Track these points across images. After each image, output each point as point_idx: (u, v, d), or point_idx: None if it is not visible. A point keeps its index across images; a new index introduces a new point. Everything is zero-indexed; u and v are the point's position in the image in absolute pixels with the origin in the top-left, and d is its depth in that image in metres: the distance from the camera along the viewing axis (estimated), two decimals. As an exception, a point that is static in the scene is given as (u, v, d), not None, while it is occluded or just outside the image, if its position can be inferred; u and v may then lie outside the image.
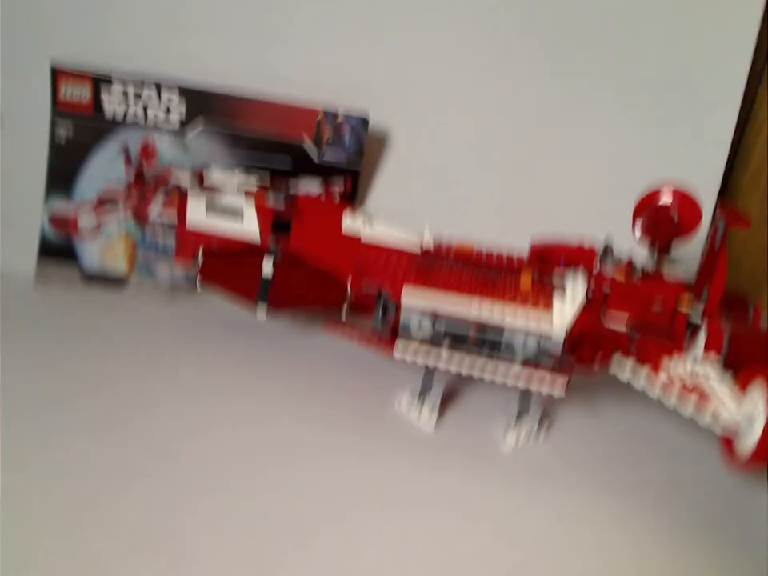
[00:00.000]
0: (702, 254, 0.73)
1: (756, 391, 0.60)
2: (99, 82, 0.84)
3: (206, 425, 0.67)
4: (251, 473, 0.61)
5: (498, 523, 0.60)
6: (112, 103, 0.85)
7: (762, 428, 0.57)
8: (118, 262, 0.89)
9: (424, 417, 0.72)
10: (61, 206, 0.88)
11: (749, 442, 0.59)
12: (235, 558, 0.52)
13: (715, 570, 0.59)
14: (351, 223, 0.75)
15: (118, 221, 0.88)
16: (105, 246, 0.89)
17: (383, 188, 0.95)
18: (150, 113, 0.86)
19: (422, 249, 0.75)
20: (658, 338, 0.70)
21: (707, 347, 0.71)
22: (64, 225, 0.88)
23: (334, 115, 0.88)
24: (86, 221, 0.88)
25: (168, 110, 0.86)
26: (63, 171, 0.87)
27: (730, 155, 0.99)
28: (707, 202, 0.93)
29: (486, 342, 0.69)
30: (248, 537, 0.54)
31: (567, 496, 0.65)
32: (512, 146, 0.96)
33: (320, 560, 0.53)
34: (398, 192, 0.95)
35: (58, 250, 0.88)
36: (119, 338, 0.80)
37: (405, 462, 0.66)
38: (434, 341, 0.70)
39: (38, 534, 0.51)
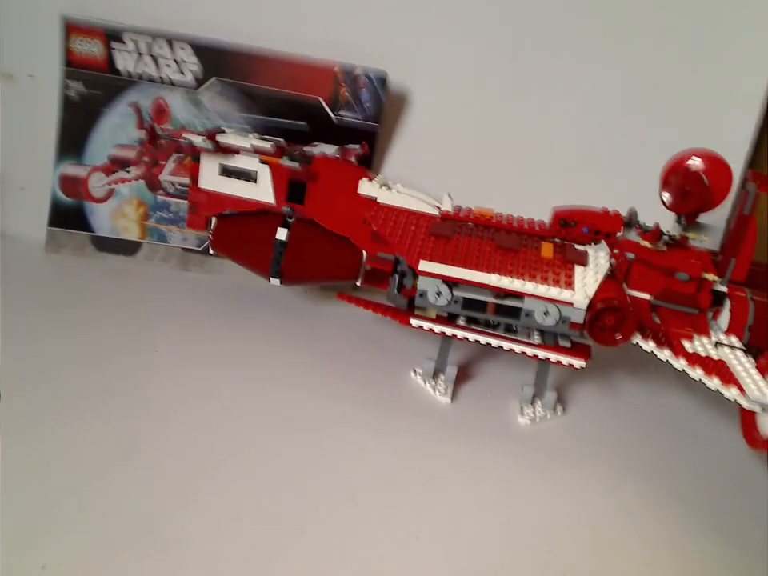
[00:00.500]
0: (730, 222, 0.71)
1: None
2: (111, 36, 0.82)
3: (214, 392, 0.66)
4: (262, 441, 0.61)
5: (510, 497, 0.59)
6: (124, 58, 0.83)
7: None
8: (129, 225, 0.88)
9: (440, 389, 0.71)
10: (72, 168, 0.86)
11: None
12: (245, 523, 0.51)
13: (729, 554, 0.57)
14: (368, 186, 0.73)
15: (130, 184, 0.87)
16: (116, 209, 0.87)
17: (402, 151, 0.92)
18: (162, 70, 0.83)
19: (441, 213, 0.73)
20: (682, 307, 0.69)
21: (732, 318, 0.69)
22: (75, 188, 0.86)
23: (352, 71, 0.85)
24: (97, 183, 0.86)
25: (181, 67, 0.83)
26: (75, 131, 0.85)
27: (761, 120, 0.95)
28: (736, 169, 0.90)
29: (505, 310, 0.68)
30: (260, 504, 0.54)
31: (581, 472, 0.64)
32: (534, 115, 0.93)
33: (335, 527, 0.53)
34: (417, 156, 0.92)
35: (69, 214, 0.87)
36: (130, 304, 0.79)
37: (420, 435, 0.65)
38: (452, 309, 0.68)
39: (48, 498, 0.51)
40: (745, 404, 0.59)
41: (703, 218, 0.71)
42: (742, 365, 0.63)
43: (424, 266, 0.67)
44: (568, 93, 0.93)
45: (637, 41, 0.92)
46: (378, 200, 0.73)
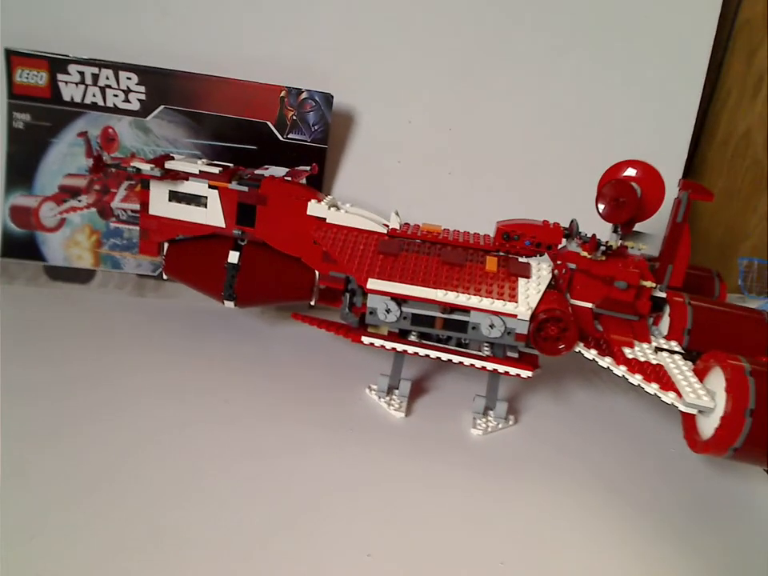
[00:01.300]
0: (666, 229, 0.74)
1: (715, 378, 0.61)
2: (56, 67, 0.82)
3: (171, 422, 0.66)
4: (219, 468, 0.61)
5: (466, 507, 0.61)
6: (69, 86, 0.83)
7: (720, 417, 0.58)
8: (82, 254, 0.88)
9: (395, 404, 0.72)
10: (22, 198, 0.86)
11: (708, 426, 0.60)
12: (210, 548, 0.52)
13: (672, 553, 0.59)
14: (317, 207, 0.74)
15: (81, 212, 0.87)
16: (68, 238, 0.87)
17: (351, 170, 0.94)
18: (109, 99, 0.84)
19: (388, 231, 0.75)
20: (622, 314, 0.71)
21: (671, 323, 0.72)
22: (25, 218, 0.86)
23: (298, 93, 0.86)
24: (48, 213, 0.87)
25: (128, 96, 0.84)
26: (23, 161, 0.85)
27: (696, 127, 0.99)
28: (673, 176, 0.93)
29: (453, 324, 0.69)
30: (219, 531, 0.54)
31: (535, 479, 0.66)
32: (478, 128, 0.95)
33: (297, 549, 0.53)
34: (366, 174, 0.94)
35: (20, 244, 0.87)
36: (85, 334, 0.79)
37: (374, 451, 0.66)
38: (402, 325, 0.70)
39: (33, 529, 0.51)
40: (682, 407, 0.61)
41: (641, 227, 0.74)
42: (679, 369, 0.65)
43: (372, 284, 0.68)
44: (512, 107, 0.96)
45: (576, 55, 0.95)
46: (327, 220, 0.75)
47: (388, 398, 0.73)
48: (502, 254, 0.74)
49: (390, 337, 0.72)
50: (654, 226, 0.76)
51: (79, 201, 0.86)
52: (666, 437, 0.74)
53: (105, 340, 0.78)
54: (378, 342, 0.71)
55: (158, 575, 0.49)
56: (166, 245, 0.78)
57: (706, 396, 0.60)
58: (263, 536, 0.54)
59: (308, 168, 0.88)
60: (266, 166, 0.87)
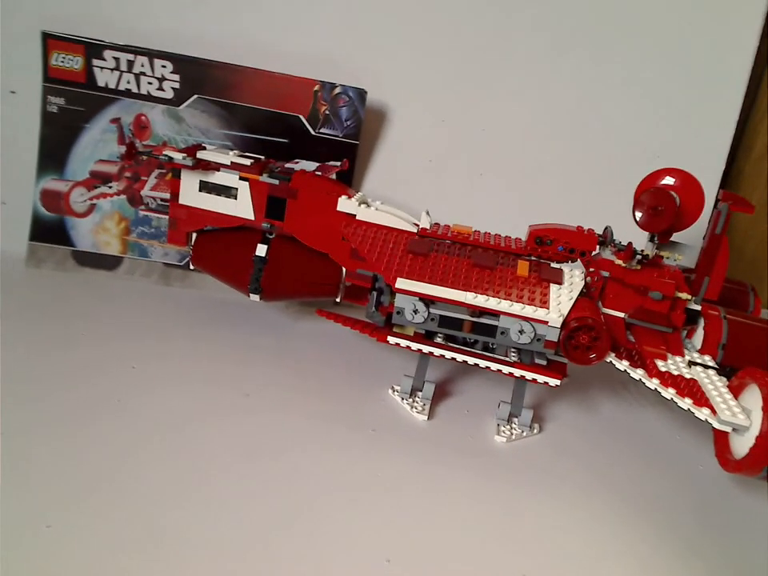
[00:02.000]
0: (704, 240, 0.72)
1: (751, 396, 0.59)
2: (92, 52, 0.82)
3: (192, 412, 0.66)
4: (237, 461, 0.60)
5: (486, 515, 0.59)
6: (105, 72, 0.83)
7: (756, 436, 0.56)
8: (110, 240, 0.88)
9: (418, 406, 0.71)
10: (53, 183, 0.86)
11: (742, 445, 0.58)
12: (219, 544, 0.51)
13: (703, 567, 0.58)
14: (347, 203, 0.74)
15: (111, 199, 0.87)
16: (97, 224, 0.87)
17: (382, 167, 0.93)
18: (143, 83, 0.84)
19: (418, 231, 0.74)
20: (655, 325, 0.69)
21: (705, 337, 0.70)
22: (56, 202, 0.86)
23: (332, 87, 0.86)
24: (78, 198, 0.87)
25: (162, 83, 0.84)
26: (56, 146, 0.85)
27: (733, 141, 0.97)
28: (710, 188, 0.91)
29: (481, 328, 0.68)
30: (232, 529, 0.53)
31: (557, 492, 0.64)
32: (512, 130, 0.94)
33: (310, 548, 0.52)
34: (397, 171, 0.93)
35: (50, 228, 0.87)
36: (110, 320, 0.79)
37: (397, 453, 0.65)
38: (429, 326, 0.69)
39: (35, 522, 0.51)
40: (716, 424, 0.59)
41: (678, 237, 0.72)
42: (713, 384, 0.64)
43: (401, 283, 0.67)
44: (550, 109, 0.94)
45: (618, 62, 0.93)
46: (356, 217, 0.74)
47: (411, 400, 0.72)
48: (533, 258, 0.73)
49: (416, 338, 0.71)
50: (691, 237, 0.74)
51: (110, 187, 0.86)
52: (694, 454, 0.72)
53: (128, 326, 0.78)
54: (403, 343, 0.70)
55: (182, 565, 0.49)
56: (194, 235, 0.78)
57: (742, 414, 0.59)
58: (277, 533, 0.53)
59: (338, 163, 0.87)
60: (297, 160, 0.86)
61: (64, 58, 0.82)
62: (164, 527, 0.52)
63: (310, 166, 0.86)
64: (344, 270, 0.75)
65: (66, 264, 0.87)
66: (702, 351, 0.70)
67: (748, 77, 0.94)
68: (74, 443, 0.59)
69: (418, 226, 0.74)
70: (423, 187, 0.93)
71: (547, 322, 0.65)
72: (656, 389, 0.64)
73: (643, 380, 0.65)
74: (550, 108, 0.94)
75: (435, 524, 0.57)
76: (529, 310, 0.65)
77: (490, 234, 0.75)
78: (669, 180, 0.71)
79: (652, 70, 0.94)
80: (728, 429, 0.59)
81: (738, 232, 1.10)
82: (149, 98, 0.84)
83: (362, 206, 0.74)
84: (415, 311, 0.68)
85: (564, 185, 0.95)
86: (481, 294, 0.66)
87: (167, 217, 0.78)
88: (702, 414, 0.60)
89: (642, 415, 0.79)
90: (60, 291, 0.83)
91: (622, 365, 0.67)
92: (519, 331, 0.67)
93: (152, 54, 0.83)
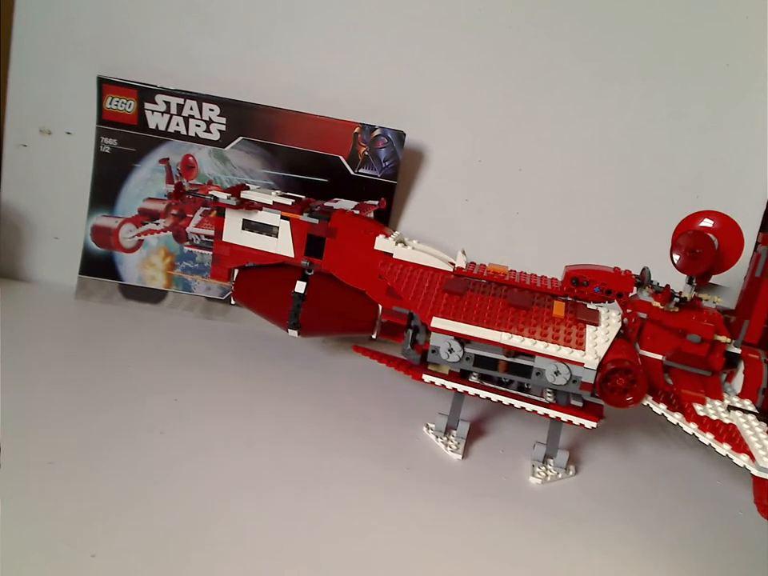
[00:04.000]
0: (744, 282, 0.71)
1: None
2: (144, 96, 0.86)
3: (228, 441, 0.67)
4: (267, 491, 0.61)
5: (521, 558, 0.59)
6: (155, 115, 0.87)
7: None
8: (156, 275, 0.91)
9: (452, 445, 0.71)
10: (104, 219, 0.90)
11: None
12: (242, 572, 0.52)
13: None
14: (384, 242, 0.75)
15: (158, 235, 0.90)
16: (144, 259, 0.90)
17: (419, 206, 0.95)
18: (191, 126, 0.87)
19: (454, 269, 0.75)
20: (694, 368, 0.68)
21: (745, 381, 0.69)
22: (105, 238, 0.90)
23: (371, 129, 0.88)
24: (127, 234, 0.90)
25: (209, 126, 0.87)
26: (107, 184, 0.89)
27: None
28: (751, 230, 0.90)
29: (516, 368, 0.68)
30: (256, 552, 0.54)
31: (594, 533, 0.63)
32: (548, 170, 0.95)
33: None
34: (433, 211, 0.94)
35: (99, 262, 0.90)
36: (152, 351, 0.82)
37: (431, 492, 0.65)
38: (464, 365, 0.69)
39: (57, 539, 0.52)
40: (754, 471, 0.58)
41: (717, 279, 0.71)
42: (753, 430, 0.62)
43: (436, 322, 0.68)
44: (585, 152, 0.95)
45: (654, 101, 0.94)
46: (393, 255, 0.75)
47: (445, 439, 0.72)
48: (569, 299, 0.73)
49: (451, 376, 0.71)
50: (731, 279, 0.73)
51: (157, 224, 0.90)
52: (734, 499, 0.71)
53: (171, 357, 0.80)
54: (438, 381, 0.71)
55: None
56: (236, 271, 0.80)
57: (782, 462, 0.57)
58: (306, 568, 0.54)
59: (377, 202, 0.89)
60: (336, 199, 0.89)
61: (118, 101, 0.86)
62: (191, 543, 0.53)
63: (348, 204, 0.88)
64: (380, 307, 0.76)
65: (113, 297, 0.91)
66: (741, 395, 0.69)
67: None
68: (116, 466, 0.61)
69: (453, 265, 0.75)
70: (460, 226, 0.94)
71: (583, 363, 0.65)
72: (694, 434, 0.63)
73: (681, 424, 0.64)
74: (588, 147, 0.95)
75: (468, 565, 0.57)
76: (565, 351, 0.66)
77: (525, 273, 0.76)
78: (707, 222, 0.70)
79: (697, 108, 0.94)
80: (766, 476, 0.58)
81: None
82: (196, 139, 0.88)
83: (399, 244, 0.75)
84: (450, 350, 0.69)
85: (602, 224, 0.95)
86: (516, 334, 0.67)
87: (211, 253, 0.80)
88: (741, 460, 0.59)
89: (680, 459, 0.77)
90: (107, 323, 0.86)
91: (660, 408, 0.66)
92: (555, 372, 0.67)
93: (200, 98, 0.86)
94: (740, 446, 0.60)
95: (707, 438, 0.62)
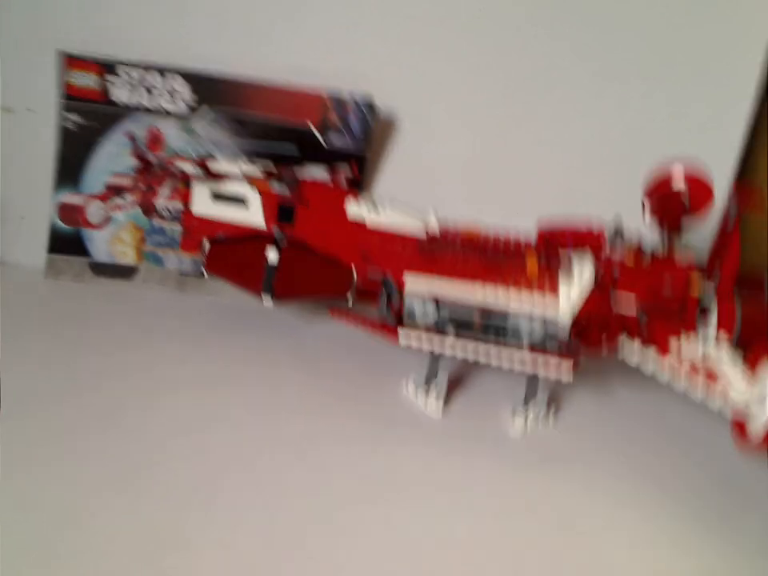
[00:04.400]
0: (715, 236, 0.72)
1: (766, 374, 0.59)
2: (106, 68, 0.84)
3: (213, 415, 0.67)
4: (259, 462, 0.61)
5: (503, 506, 0.60)
6: (118, 89, 0.85)
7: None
8: (126, 251, 0.90)
9: (431, 403, 0.72)
10: (70, 196, 0.88)
11: (760, 424, 0.57)
12: (241, 548, 0.52)
13: (728, 553, 0.57)
14: (356, 209, 0.75)
15: (126, 210, 0.89)
16: (113, 235, 0.89)
17: (391, 173, 0.94)
18: (155, 99, 0.86)
19: (427, 233, 0.74)
20: (667, 322, 0.69)
21: (719, 329, 0.69)
22: (73, 215, 0.88)
23: (340, 99, 0.87)
24: (94, 211, 0.89)
25: (173, 96, 0.86)
26: (72, 161, 0.87)
27: (749, 130, 0.96)
28: (722, 180, 0.91)
29: (491, 327, 0.69)
30: (254, 528, 0.54)
31: (575, 479, 0.64)
32: (519, 127, 0.95)
33: (329, 545, 0.53)
34: (405, 177, 0.94)
35: (67, 241, 0.89)
36: (128, 328, 0.80)
37: (412, 448, 0.65)
38: (439, 327, 0.69)
39: (43, 522, 0.52)
40: (730, 409, 0.59)
41: (688, 232, 0.72)
42: (727, 365, 0.63)
43: (409, 283, 0.68)
44: (563, 106, 0.95)
45: (626, 50, 0.94)
46: (365, 221, 0.75)
47: (425, 396, 0.73)
48: (542, 255, 0.73)
49: (427, 336, 0.71)
50: (703, 231, 0.74)
51: (124, 199, 0.88)
52: (714, 436, 0.72)
53: (145, 333, 0.80)
54: (414, 342, 0.71)
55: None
56: (207, 243, 0.79)
57: (756, 393, 0.58)
58: (293, 531, 0.54)
59: (348, 170, 0.89)
60: (307, 168, 0.88)
61: (79, 75, 0.84)
62: (184, 526, 0.53)
63: (320, 173, 0.87)
64: (355, 272, 0.76)
65: (83, 275, 0.89)
66: (717, 338, 0.69)
67: (765, 60, 0.94)
68: (96, 444, 0.60)
69: (426, 228, 0.75)
70: (434, 193, 0.93)
71: (557, 317, 0.66)
72: (669, 375, 0.64)
73: (657, 368, 0.65)
74: (562, 105, 0.95)
75: (453, 515, 0.58)
76: (538, 307, 0.66)
77: (499, 232, 0.76)
78: (677, 177, 0.71)
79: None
80: (742, 412, 0.58)
81: (755, 222, 1.08)
82: (161, 111, 0.86)
83: (371, 209, 0.75)
84: (425, 311, 0.69)
85: (574, 181, 0.95)
86: (490, 291, 0.67)
87: (181, 226, 0.79)
88: (716, 394, 0.60)
89: (659, 397, 0.78)
90: (79, 302, 0.85)
91: (635, 352, 0.67)
92: (530, 327, 0.67)
93: (164, 69, 0.85)
94: (714, 381, 0.61)
95: (681, 374, 0.63)
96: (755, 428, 0.59)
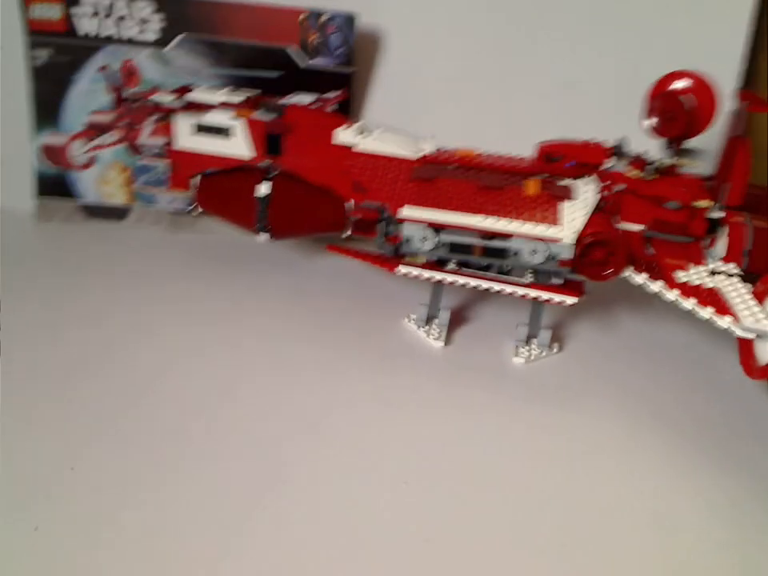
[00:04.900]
0: (722, 144, 0.68)
1: None
2: (68, -2, 0.79)
3: (211, 347, 0.67)
4: (260, 391, 0.61)
5: (506, 434, 0.59)
6: (84, 19, 0.81)
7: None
8: (114, 191, 0.87)
9: (433, 333, 0.71)
10: (51, 137, 0.85)
11: (766, 353, 0.56)
12: (240, 463, 0.53)
13: (734, 478, 0.57)
14: (345, 135, 0.71)
15: (110, 149, 0.85)
16: (100, 175, 0.86)
17: (382, 94, 0.90)
18: (125, 28, 0.81)
19: (422, 157, 0.71)
20: (675, 236, 0.67)
21: (729, 244, 0.67)
22: (56, 157, 0.85)
23: (318, 15, 0.82)
24: (77, 150, 0.85)
25: (143, 24, 0.81)
26: (47, 99, 0.84)
27: (755, 37, 0.91)
28: (726, 88, 0.86)
29: (492, 251, 0.66)
30: (253, 444, 0.55)
31: (578, 407, 0.63)
32: (514, 42, 0.89)
33: (334, 464, 0.53)
34: (398, 97, 0.89)
35: (54, 183, 0.86)
36: (121, 268, 0.79)
37: (413, 378, 0.65)
38: (439, 254, 0.67)
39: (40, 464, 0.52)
40: (738, 332, 0.57)
41: (694, 143, 0.68)
42: (737, 292, 0.61)
43: (405, 211, 0.65)
44: (554, 17, 0.89)
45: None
46: (356, 147, 0.71)
47: (427, 328, 0.71)
48: (544, 176, 0.70)
49: (427, 266, 0.69)
50: (711, 142, 0.70)
51: (107, 137, 0.85)
52: (720, 364, 0.71)
53: (140, 274, 0.78)
54: (413, 272, 0.69)
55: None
56: (197, 178, 0.76)
57: (767, 320, 0.56)
58: (290, 450, 0.55)
59: (337, 94, 0.84)
60: (294, 94, 0.84)
61: (42, 7, 0.79)
62: (180, 454, 0.54)
63: (307, 98, 0.83)
64: (351, 203, 0.73)
65: (74, 217, 0.87)
66: (726, 259, 0.67)
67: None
68: (91, 382, 0.61)
69: (421, 152, 0.72)
70: (427, 112, 0.89)
71: (560, 239, 0.63)
72: (676, 300, 0.62)
73: (663, 292, 0.63)
74: (561, 14, 0.89)
75: (455, 442, 0.57)
76: (540, 229, 0.64)
77: (497, 155, 0.73)
78: (680, 83, 0.67)
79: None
80: (751, 336, 0.57)
81: (764, 133, 1.04)
82: (133, 42, 0.82)
83: (361, 135, 0.71)
84: (424, 239, 0.67)
85: (575, 98, 0.91)
86: (490, 215, 0.65)
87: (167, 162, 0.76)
88: (724, 322, 0.58)
89: (667, 329, 0.76)
90: (70, 243, 0.84)
91: (640, 278, 0.65)
92: (532, 251, 0.65)
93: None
94: (723, 308, 0.59)
95: (690, 303, 0.61)
96: (762, 356, 0.57)
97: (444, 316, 0.72)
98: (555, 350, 0.71)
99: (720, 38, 0.90)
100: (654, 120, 0.65)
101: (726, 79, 0.88)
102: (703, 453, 0.59)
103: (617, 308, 0.80)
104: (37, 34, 0.81)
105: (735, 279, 0.64)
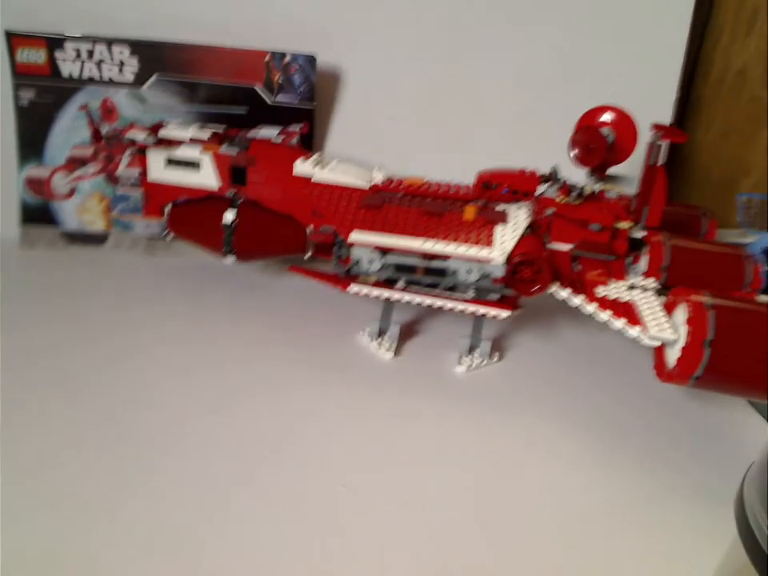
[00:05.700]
0: (642, 171, 0.76)
1: (679, 312, 0.64)
2: (52, 42, 0.87)
3: (184, 369, 0.72)
4: (228, 405, 0.67)
5: (446, 437, 0.65)
6: (67, 63, 0.88)
7: (682, 348, 0.61)
8: (94, 219, 0.94)
9: (384, 347, 0.77)
10: (35, 170, 0.92)
11: (673, 358, 0.63)
12: (215, 467, 0.58)
13: (661, 480, 0.63)
14: (304, 166, 0.78)
15: (89, 180, 0.92)
16: (80, 205, 0.93)
17: (341, 127, 0.97)
18: (104, 70, 0.89)
19: (372, 186, 0.78)
20: (600, 255, 0.73)
21: (649, 261, 0.74)
22: (39, 188, 0.92)
23: (282, 56, 0.90)
24: (59, 182, 0.92)
25: (123, 68, 0.88)
26: (32, 135, 0.91)
27: (689, 66, 0.99)
28: (664, 117, 0.94)
29: (433, 270, 0.73)
30: (223, 448, 0.60)
31: (513, 410, 0.70)
32: (467, 80, 0.97)
33: (281, 480, 0.59)
34: (356, 129, 0.97)
35: (37, 212, 0.93)
36: (101, 292, 0.85)
37: (363, 388, 0.71)
38: (386, 274, 0.74)
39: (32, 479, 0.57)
40: (645, 340, 0.64)
41: (619, 169, 0.76)
42: (650, 305, 0.68)
43: (354, 236, 0.72)
44: (500, 57, 0.97)
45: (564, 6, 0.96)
46: (313, 178, 0.78)
47: (379, 341, 0.78)
48: (481, 202, 0.77)
49: (377, 285, 0.76)
50: (634, 169, 0.78)
51: (87, 170, 0.92)
52: (648, 370, 0.77)
53: (119, 296, 0.85)
54: (363, 291, 0.76)
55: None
56: (168, 207, 0.83)
57: (670, 329, 0.63)
58: (254, 463, 0.60)
59: (299, 126, 0.92)
60: (259, 128, 0.91)
61: (28, 52, 0.87)
62: (159, 469, 0.59)
63: (272, 132, 0.90)
64: (308, 228, 0.80)
65: (56, 244, 0.94)
66: (646, 275, 0.74)
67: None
68: (82, 398, 0.66)
69: (371, 181, 0.79)
70: (385, 143, 0.97)
71: (491, 260, 0.70)
72: (594, 312, 0.69)
73: (581, 306, 0.70)
74: (505, 54, 0.97)
75: (398, 449, 0.63)
76: (474, 251, 0.70)
77: (440, 183, 0.80)
78: (605, 117, 0.75)
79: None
80: (656, 343, 0.64)
81: (703, 155, 1.12)
82: (111, 82, 0.89)
83: (318, 166, 0.78)
84: (371, 261, 0.73)
85: (522, 129, 0.98)
86: (430, 239, 0.71)
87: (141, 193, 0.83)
88: (635, 331, 0.65)
89: (600, 340, 0.83)
90: (53, 269, 0.90)
91: (564, 293, 0.72)
92: (467, 271, 0.72)
93: (109, 41, 0.87)
94: (634, 319, 0.66)
95: (606, 315, 0.68)
96: (669, 361, 0.64)
97: (394, 330, 0.78)
98: (495, 359, 0.77)
99: (656, 69, 0.98)
100: (577, 150, 0.72)
101: (663, 107, 0.97)
102: (629, 446, 0.66)
103: (558, 320, 0.87)
104: (23, 76, 0.88)
105: (650, 293, 0.70)
